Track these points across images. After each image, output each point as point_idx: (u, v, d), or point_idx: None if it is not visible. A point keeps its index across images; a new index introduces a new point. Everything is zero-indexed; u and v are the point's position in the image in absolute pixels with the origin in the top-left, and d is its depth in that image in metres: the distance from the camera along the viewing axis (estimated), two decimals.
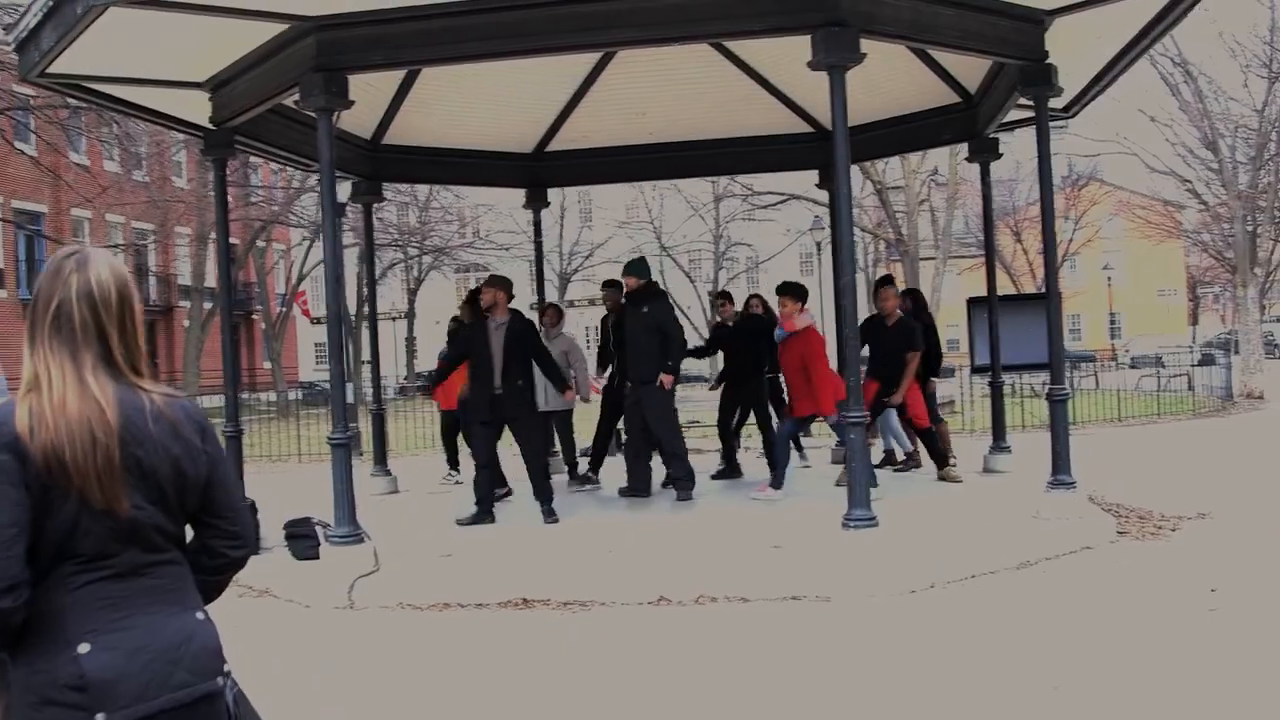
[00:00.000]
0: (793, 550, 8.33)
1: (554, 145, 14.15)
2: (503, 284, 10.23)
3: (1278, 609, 6.91)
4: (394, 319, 55.76)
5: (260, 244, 42.24)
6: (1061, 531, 9.02)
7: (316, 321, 51.72)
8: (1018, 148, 29.97)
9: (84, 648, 2.26)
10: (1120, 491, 11.50)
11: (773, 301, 12.10)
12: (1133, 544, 9.16)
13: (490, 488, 10.27)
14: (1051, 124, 10.22)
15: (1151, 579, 7.88)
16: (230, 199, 36.73)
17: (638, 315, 10.94)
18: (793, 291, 11.05)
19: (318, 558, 8.85)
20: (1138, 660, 5.94)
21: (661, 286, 11.59)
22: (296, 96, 8.80)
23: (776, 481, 10.85)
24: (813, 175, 14.44)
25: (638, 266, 11.26)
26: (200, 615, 2.47)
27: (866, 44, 8.11)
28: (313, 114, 8.90)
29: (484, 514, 10.05)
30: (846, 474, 8.79)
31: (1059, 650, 6.18)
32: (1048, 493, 9.57)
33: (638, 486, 11.13)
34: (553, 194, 15.59)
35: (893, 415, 12.25)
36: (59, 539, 2.29)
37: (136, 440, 2.35)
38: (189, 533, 2.54)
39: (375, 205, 14.27)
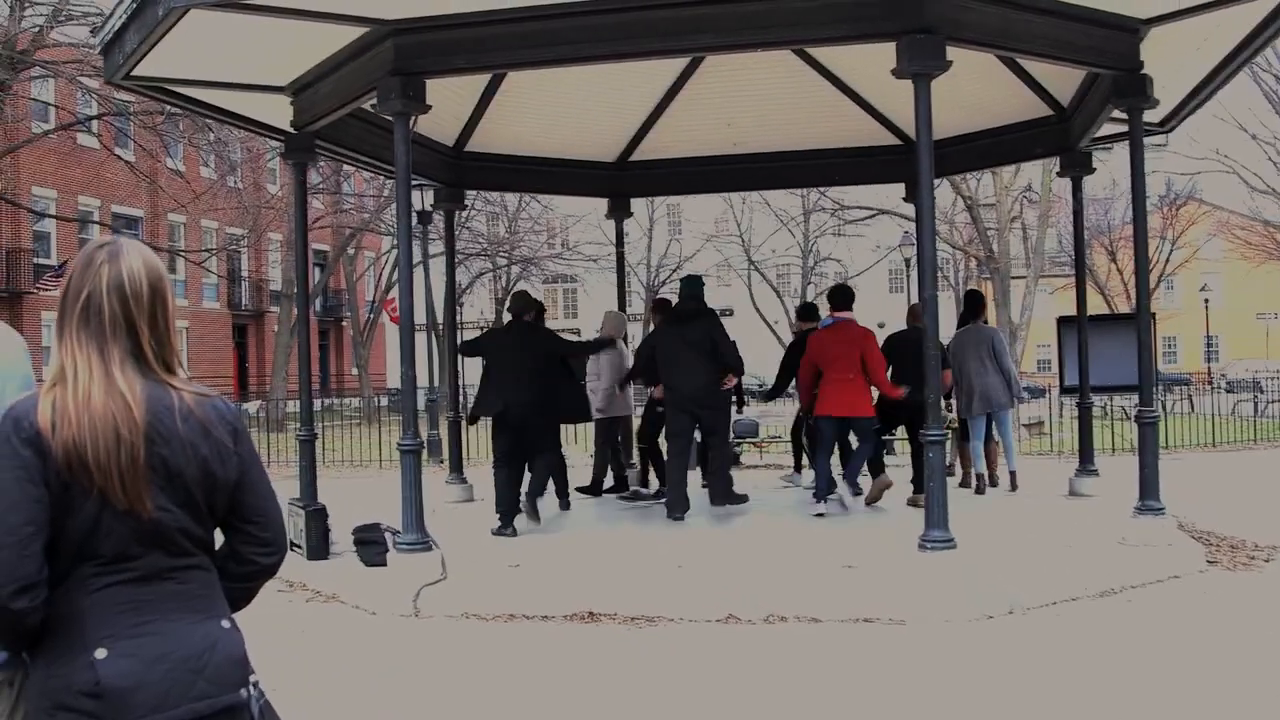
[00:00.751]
0: (866, 570, 8.10)
1: (637, 155, 14.03)
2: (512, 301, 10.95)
3: None
4: (482, 328, 56.15)
5: (350, 251, 42.79)
6: (1147, 559, 8.69)
7: None
8: (1114, 165, 29.40)
9: (101, 653, 2.18)
10: (1212, 519, 11.08)
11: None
12: (1223, 574, 8.80)
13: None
14: (1148, 139, 9.91)
15: (1241, 611, 7.57)
16: (322, 206, 37.57)
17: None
18: (830, 296, 11.00)
19: (385, 564, 8.82)
20: (1227, 698, 5.68)
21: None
22: (375, 101, 8.80)
23: (817, 492, 10.65)
24: (902, 189, 14.19)
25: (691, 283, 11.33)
26: (226, 623, 2.38)
27: (955, 53, 7.91)
28: (390, 118, 8.90)
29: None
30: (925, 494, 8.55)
31: (1140, 684, 5.92)
32: (1134, 518, 9.25)
33: (719, 498, 10.88)
34: (642, 206, 15.55)
35: (975, 436, 11.97)
36: (79, 539, 2.21)
37: (163, 439, 2.26)
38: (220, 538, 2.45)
39: (461, 214, 14.30)
